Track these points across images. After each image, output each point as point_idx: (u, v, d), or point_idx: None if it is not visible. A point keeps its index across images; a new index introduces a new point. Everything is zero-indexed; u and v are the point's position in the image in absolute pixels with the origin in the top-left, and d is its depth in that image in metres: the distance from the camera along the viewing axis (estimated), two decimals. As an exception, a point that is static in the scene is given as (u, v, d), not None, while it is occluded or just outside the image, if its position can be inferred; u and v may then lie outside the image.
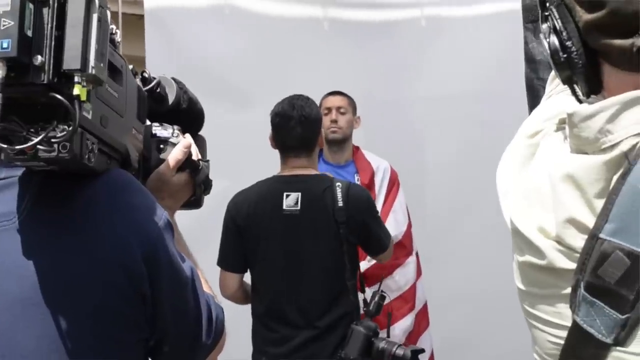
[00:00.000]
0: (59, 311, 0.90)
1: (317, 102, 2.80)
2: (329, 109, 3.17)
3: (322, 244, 2.45)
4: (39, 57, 0.78)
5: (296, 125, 2.50)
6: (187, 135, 1.15)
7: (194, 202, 1.19)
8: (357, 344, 2.34)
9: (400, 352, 2.30)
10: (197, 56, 3.39)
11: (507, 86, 3.27)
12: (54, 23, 0.79)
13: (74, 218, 0.92)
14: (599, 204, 0.77)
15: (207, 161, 1.19)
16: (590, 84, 0.82)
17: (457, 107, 3.61)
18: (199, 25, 3.47)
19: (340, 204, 2.42)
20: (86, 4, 0.80)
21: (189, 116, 1.19)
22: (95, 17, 0.80)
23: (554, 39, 0.82)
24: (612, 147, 0.77)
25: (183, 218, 1.19)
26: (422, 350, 2.48)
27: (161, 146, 1.10)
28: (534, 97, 1.65)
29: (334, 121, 3.15)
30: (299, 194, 2.46)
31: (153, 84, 1.11)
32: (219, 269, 2.56)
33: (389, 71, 3.62)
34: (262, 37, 3.49)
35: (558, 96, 1.00)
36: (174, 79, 1.16)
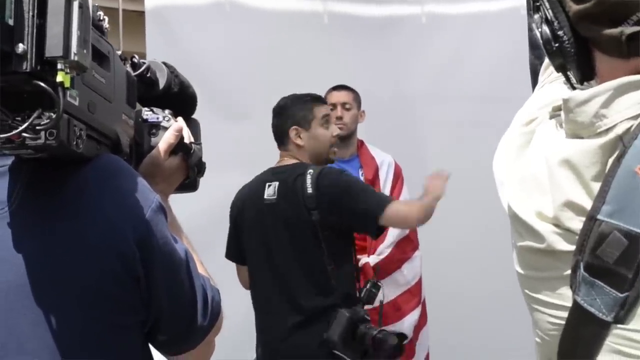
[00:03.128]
0: (54, 297, 0.91)
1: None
2: (334, 105, 3.12)
3: (295, 231, 2.45)
4: (21, 45, 0.78)
5: (273, 118, 2.63)
6: (179, 119, 1.15)
7: (189, 185, 1.19)
8: (340, 328, 2.30)
9: (379, 335, 2.30)
10: (198, 52, 3.37)
11: (506, 83, 3.27)
12: (35, 11, 0.79)
13: (64, 205, 0.92)
14: (596, 186, 0.78)
15: (200, 144, 1.18)
16: (583, 71, 0.84)
17: (455, 104, 3.61)
18: (199, 21, 3.46)
19: (310, 190, 2.40)
20: None
21: (180, 100, 1.18)
22: (76, 4, 0.80)
23: (545, 29, 0.84)
24: (607, 130, 0.79)
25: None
26: (405, 336, 2.45)
27: (153, 131, 1.10)
28: (538, 82, 1.67)
29: (340, 118, 3.10)
30: (277, 183, 2.49)
31: (143, 68, 1.11)
32: (234, 263, 2.64)
33: (389, 66, 3.61)
34: (263, 32, 3.48)
35: (551, 85, 1.02)
36: (164, 63, 1.16)
